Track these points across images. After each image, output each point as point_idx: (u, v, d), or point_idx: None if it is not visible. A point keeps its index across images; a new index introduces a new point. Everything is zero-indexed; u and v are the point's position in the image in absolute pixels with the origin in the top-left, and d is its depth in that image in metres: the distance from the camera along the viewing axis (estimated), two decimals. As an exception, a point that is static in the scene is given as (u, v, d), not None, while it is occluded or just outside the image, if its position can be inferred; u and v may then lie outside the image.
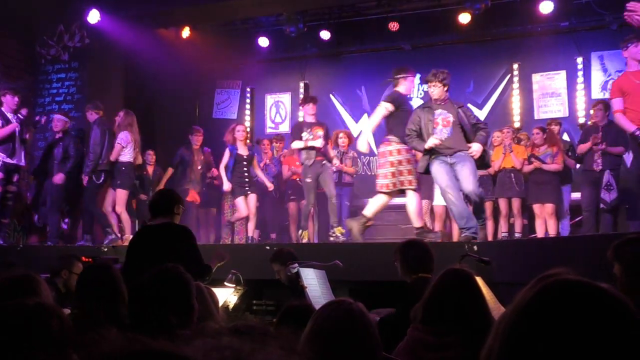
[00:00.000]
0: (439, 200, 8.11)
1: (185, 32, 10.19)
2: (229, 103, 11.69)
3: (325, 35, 10.30)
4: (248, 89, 11.69)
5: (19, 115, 7.67)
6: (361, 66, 11.04)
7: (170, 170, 8.86)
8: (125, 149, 7.73)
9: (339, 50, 11.11)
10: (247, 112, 11.65)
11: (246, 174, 7.89)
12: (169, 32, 10.34)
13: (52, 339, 1.52)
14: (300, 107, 7.94)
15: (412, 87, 6.94)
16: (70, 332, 1.60)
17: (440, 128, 6.00)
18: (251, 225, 7.99)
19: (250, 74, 11.48)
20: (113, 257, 6.24)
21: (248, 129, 9.20)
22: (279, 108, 11.69)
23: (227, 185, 7.81)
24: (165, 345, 0.77)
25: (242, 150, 7.87)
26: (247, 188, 7.86)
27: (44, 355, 1.46)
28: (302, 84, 11.42)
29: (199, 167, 8.82)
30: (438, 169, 5.96)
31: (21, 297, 1.82)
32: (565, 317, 0.86)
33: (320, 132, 7.53)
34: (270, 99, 11.75)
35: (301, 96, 11.26)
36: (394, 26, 9.79)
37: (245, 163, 7.88)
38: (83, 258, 5.42)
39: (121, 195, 7.76)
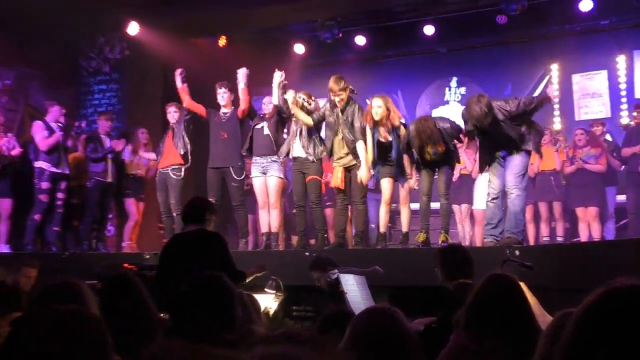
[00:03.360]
0: (479, 204, 8.02)
1: (222, 41, 10.32)
2: (266, 110, 11.75)
3: (360, 40, 10.30)
4: (284, 96, 11.75)
5: (59, 123, 7.91)
6: (397, 70, 11.02)
7: None
8: None
9: (375, 55, 11.10)
10: (284, 118, 11.70)
11: None
12: (206, 41, 10.47)
13: (91, 345, 1.54)
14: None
15: None
16: (108, 338, 1.63)
17: None
18: None
19: (286, 81, 11.52)
20: (155, 264, 6.33)
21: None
22: (316, 114, 11.72)
23: None
24: (228, 353, 0.78)
25: None
26: None
27: None
28: (338, 90, 11.42)
29: None
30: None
31: (66, 303, 1.86)
32: (629, 323, 0.86)
33: None
34: (306, 105, 11.78)
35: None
36: (429, 30, 9.75)
37: None
38: (126, 265, 5.52)
39: None
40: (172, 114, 7.62)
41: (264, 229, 7.22)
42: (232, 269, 4.27)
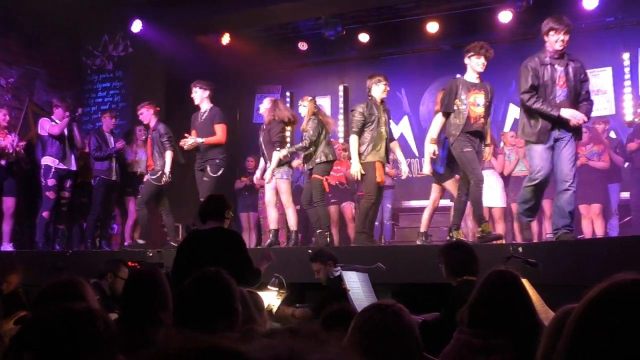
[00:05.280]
0: (485, 202, 7.98)
1: (225, 39, 10.31)
2: (269, 108, 11.76)
3: (364, 37, 10.29)
4: (288, 94, 11.75)
5: (75, 114, 7.95)
6: (401, 68, 10.98)
7: None
8: None
9: (378, 53, 11.07)
10: (287, 116, 11.70)
11: None
12: (210, 39, 10.47)
13: (99, 343, 1.54)
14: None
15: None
16: (116, 335, 1.63)
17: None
18: None
19: (289, 79, 11.53)
20: (158, 262, 6.34)
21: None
22: (319, 112, 11.71)
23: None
24: (223, 342, 0.78)
25: None
26: None
27: (92, 359, 1.49)
28: (341, 87, 11.42)
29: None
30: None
31: (67, 301, 1.86)
32: (631, 317, 0.85)
33: None
34: (310, 103, 11.77)
35: (341, 99, 11.28)
36: (433, 27, 9.72)
37: None
38: (129, 262, 5.53)
39: None
40: (145, 115, 7.69)
41: (271, 225, 7.20)
42: (249, 267, 4.29)
